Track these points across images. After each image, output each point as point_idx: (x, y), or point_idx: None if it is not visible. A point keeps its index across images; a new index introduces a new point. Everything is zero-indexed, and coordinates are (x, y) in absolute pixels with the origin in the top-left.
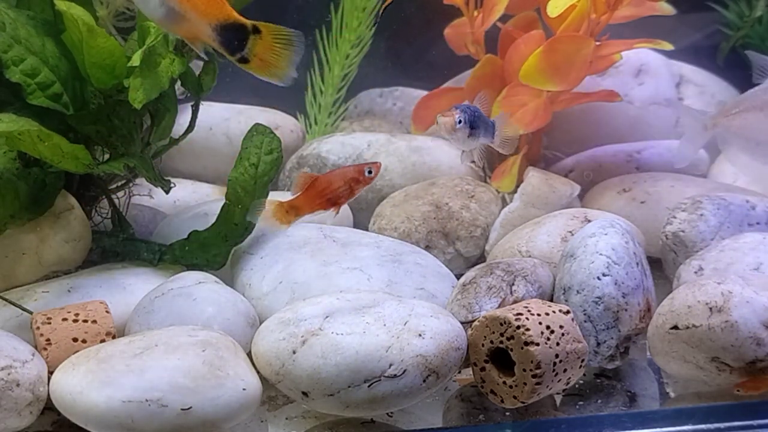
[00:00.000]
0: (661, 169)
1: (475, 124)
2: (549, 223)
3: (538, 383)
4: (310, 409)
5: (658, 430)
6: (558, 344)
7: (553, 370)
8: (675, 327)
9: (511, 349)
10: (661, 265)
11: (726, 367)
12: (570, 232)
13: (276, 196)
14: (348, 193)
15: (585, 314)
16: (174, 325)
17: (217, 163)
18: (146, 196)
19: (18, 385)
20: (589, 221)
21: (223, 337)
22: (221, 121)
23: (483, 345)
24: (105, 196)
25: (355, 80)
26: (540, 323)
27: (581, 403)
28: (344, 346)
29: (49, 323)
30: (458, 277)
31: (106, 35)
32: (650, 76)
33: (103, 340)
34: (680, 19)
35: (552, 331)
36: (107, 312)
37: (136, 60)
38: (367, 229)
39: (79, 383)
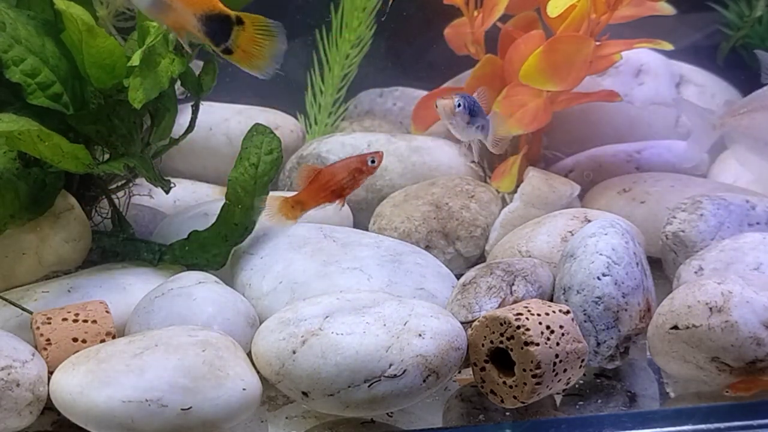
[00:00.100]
0: (661, 169)
1: (474, 112)
2: (549, 223)
3: (538, 383)
4: (310, 409)
5: (658, 430)
6: (558, 344)
7: (553, 370)
8: (675, 327)
9: (511, 349)
10: (661, 265)
11: (726, 367)
12: (570, 232)
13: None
14: (352, 183)
15: (585, 314)
16: (174, 325)
17: (217, 163)
18: (146, 196)
19: (18, 385)
20: (589, 221)
21: (223, 337)
22: (221, 121)
23: (483, 345)
24: (105, 196)
25: (355, 80)
26: (540, 323)
27: (581, 403)
28: (344, 346)
29: (49, 323)
30: (458, 277)
31: (106, 35)
32: (650, 76)
33: (103, 340)
34: (680, 19)
35: (552, 331)
36: (107, 312)
37: (135, 60)
38: (367, 229)
39: (79, 383)
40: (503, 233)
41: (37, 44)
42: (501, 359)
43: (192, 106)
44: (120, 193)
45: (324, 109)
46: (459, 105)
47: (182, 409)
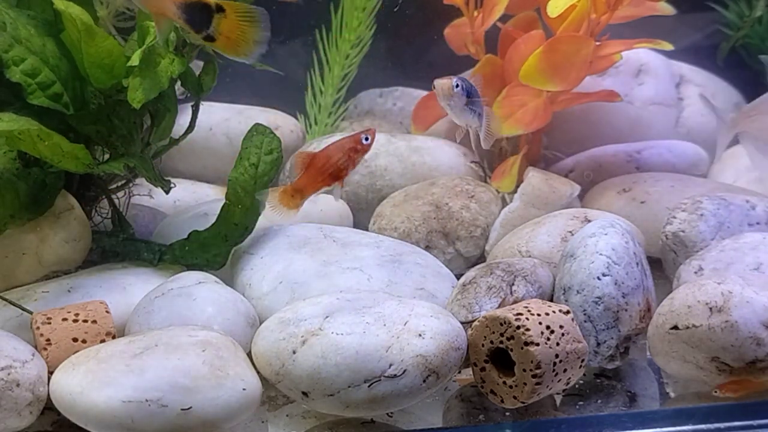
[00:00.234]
0: (661, 169)
1: (472, 95)
2: (549, 223)
3: (538, 383)
4: (310, 409)
5: (658, 430)
6: (558, 344)
7: (553, 370)
8: (675, 327)
9: (511, 349)
10: (661, 265)
11: (726, 367)
12: (570, 232)
13: None
14: (348, 164)
15: (585, 314)
16: (174, 325)
17: (217, 163)
18: (146, 196)
19: (18, 385)
20: (589, 221)
21: (223, 337)
22: (221, 121)
23: (483, 345)
24: (105, 196)
25: (355, 80)
26: (540, 323)
27: (581, 403)
28: (344, 346)
29: (49, 323)
30: (458, 277)
31: (105, 35)
32: (650, 76)
33: (103, 340)
34: (680, 19)
35: (552, 331)
36: (107, 312)
37: (135, 60)
38: (367, 229)
39: (79, 383)
40: (503, 233)
41: (38, 44)
42: (501, 359)
43: (192, 106)
44: (120, 193)
45: (324, 109)
46: (457, 86)
47: (182, 409)
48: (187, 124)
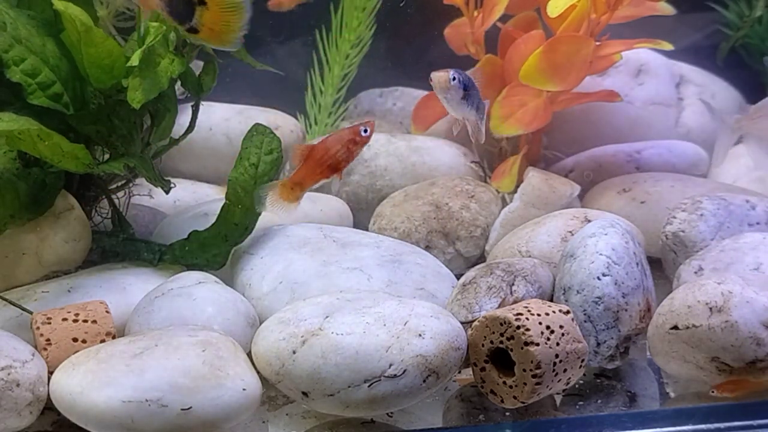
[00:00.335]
0: (661, 169)
1: (469, 87)
2: (549, 223)
3: (538, 383)
4: (310, 409)
5: (658, 430)
6: (558, 344)
7: (553, 370)
8: (675, 327)
9: (511, 349)
10: (661, 265)
11: (726, 367)
12: (570, 232)
13: None
14: (347, 156)
15: (585, 314)
16: (174, 325)
17: (217, 163)
18: (146, 196)
19: (18, 385)
20: (589, 221)
21: (223, 337)
22: (221, 121)
23: (483, 345)
24: (105, 196)
25: (355, 80)
26: (540, 323)
27: (581, 403)
28: (344, 346)
29: (49, 323)
30: (458, 277)
31: (104, 35)
32: (650, 76)
33: (103, 340)
34: (680, 19)
35: (552, 331)
36: (107, 312)
37: (135, 60)
38: (367, 229)
39: (79, 383)
40: (503, 233)
41: (38, 44)
42: (501, 359)
43: (192, 106)
44: (120, 193)
45: (324, 109)
46: (454, 78)
47: (182, 409)
48: (187, 124)
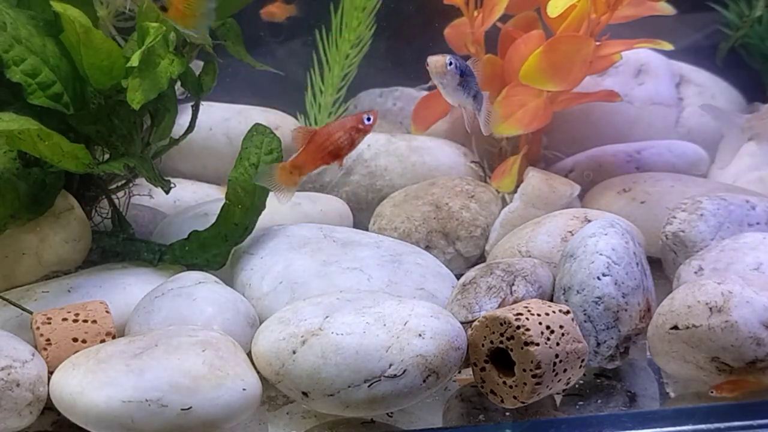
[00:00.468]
0: (661, 169)
1: (466, 73)
2: (549, 223)
3: (538, 383)
4: (310, 409)
5: (658, 430)
6: (558, 344)
7: (553, 370)
8: (675, 327)
9: (511, 349)
10: (661, 265)
11: (726, 367)
12: (570, 232)
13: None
14: (349, 143)
15: (585, 314)
16: (174, 325)
17: (217, 163)
18: (146, 196)
19: (18, 385)
20: (589, 221)
21: (223, 337)
22: (221, 122)
23: (483, 345)
24: (105, 196)
25: (355, 80)
26: (540, 323)
27: (581, 403)
28: (344, 346)
29: (49, 323)
30: (458, 277)
31: (103, 37)
32: (650, 76)
33: (103, 340)
34: (680, 19)
35: (552, 331)
36: (107, 312)
37: (135, 60)
38: (367, 229)
39: (79, 383)
40: (503, 233)
41: (38, 44)
42: (501, 359)
43: (192, 106)
44: (120, 193)
45: (324, 109)
46: (450, 63)
47: (182, 409)
48: (187, 124)
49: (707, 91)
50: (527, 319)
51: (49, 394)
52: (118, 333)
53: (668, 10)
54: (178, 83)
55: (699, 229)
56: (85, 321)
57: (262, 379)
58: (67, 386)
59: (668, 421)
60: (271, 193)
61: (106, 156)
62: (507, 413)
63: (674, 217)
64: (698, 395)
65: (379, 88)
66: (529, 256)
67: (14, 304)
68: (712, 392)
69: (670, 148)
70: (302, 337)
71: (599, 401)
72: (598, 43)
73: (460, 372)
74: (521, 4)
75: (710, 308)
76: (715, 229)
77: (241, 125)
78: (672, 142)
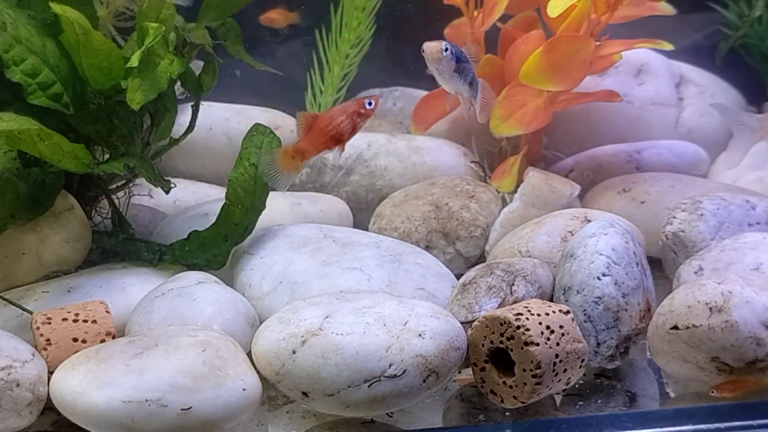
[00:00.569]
0: (661, 169)
1: (461, 60)
2: (549, 223)
3: (538, 383)
4: (310, 409)
5: (658, 430)
6: (558, 344)
7: (553, 370)
8: (675, 327)
9: (511, 349)
10: (661, 265)
11: (726, 367)
12: (570, 232)
13: (276, 197)
14: (351, 128)
15: (585, 314)
16: (174, 325)
17: (217, 163)
18: (146, 196)
19: (18, 385)
20: (589, 221)
21: (223, 337)
22: (221, 121)
23: (483, 345)
24: (105, 196)
25: (355, 80)
26: (540, 323)
27: (581, 403)
28: (344, 346)
29: (49, 323)
30: (458, 277)
31: (103, 38)
32: (650, 76)
33: (103, 340)
34: (680, 19)
35: (552, 331)
36: (107, 312)
37: (134, 61)
38: (367, 229)
39: (79, 383)
40: (503, 233)
41: (38, 44)
42: (501, 359)
43: (192, 106)
44: (120, 193)
45: (324, 109)
46: (446, 49)
47: (182, 409)
48: (187, 124)
49: (707, 91)
50: (527, 319)
51: (49, 394)
52: (118, 333)
53: (668, 10)
54: (178, 83)
55: (699, 229)
56: (85, 321)
57: (262, 379)
58: (67, 386)
59: (668, 421)
60: (271, 193)
61: (106, 156)
62: (507, 413)
63: (674, 217)
64: (698, 395)
65: (379, 88)
66: (529, 256)
67: (14, 304)
68: (712, 392)
69: (670, 148)
70: (302, 337)
71: (599, 401)
72: (598, 43)
73: (460, 372)
74: (521, 4)
75: (710, 308)
76: (715, 229)
77: (241, 125)
78: (672, 142)
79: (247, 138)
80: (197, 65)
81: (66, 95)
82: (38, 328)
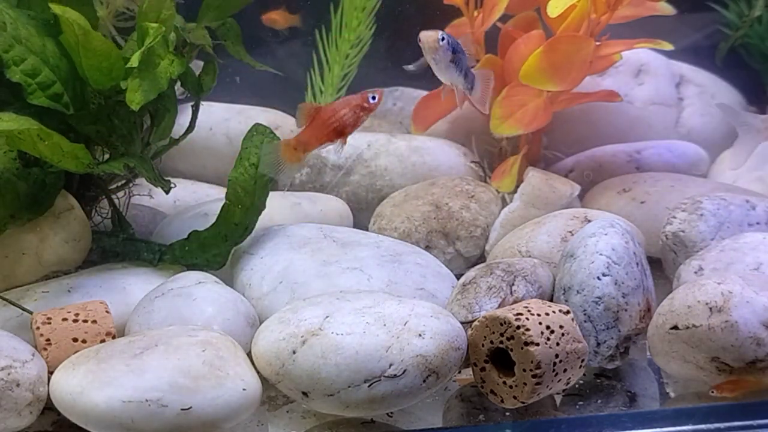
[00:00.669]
0: (661, 169)
1: (458, 51)
2: (549, 223)
3: (538, 383)
4: (310, 409)
5: (658, 430)
6: (558, 344)
7: (553, 370)
8: (675, 327)
9: (511, 349)
10: (661, 265)
11: (726, 367)
12: (570, 232)
13: (276, 197)
14: (354, 121)
15: (585, 314)
16: (174, 325)
17: (217, 163)
18: (146, 196)
19: (18, 385)
20: (589, 221)
21: (223, 337)
22: (221, 121)
23: (483, 345)
24: (105, 196)
25: (355, 80)
26: (540, 323)
27: (581, 403)
28: (344, 346)
29: (49, 323)
30: (458, 277)
31: (103, 39)
32: (650, 76)
33: (103, 340)
34: (680, 19)
35: (552, 331)
36: (107, 312)
37: (134, 61)
38: (367, 229)
39: (79, 383)
40: (503, 233)
41: (38, 44)
42: (501, 359)
43: (192, 106)
44: (120, 193)
45: None
46: (442, 39)
47: (182, 409)
48: (187, 124)
49: (707, 91)
50: (527, 319)
51: (49, 394)
52: (118, 333)
53: (668, 10)
54: (178, 83)
55: (699, 229)
56: (85, 321)
57: (262, 379)
58: (67, 386)
59: (668, 421)
60: (271, 193)
61: (106, 156)
62: (507, 413)
63: (674, 217)
64: (698, 395)
65: (379, 87)
66: (529, 256)
67: (14, 304)
68: (712, 392)
69: (670, 148)
70: (302, 337)
71: (599, 401)
72: (598, 43)
73: (460, 372)
74: (521, 4)
75: (710, 308)
76: (715, 229)
77: (241, 125)
78: (672, 142)
79: (247, 138)
80: (197, 65)
81: (66, 95)
82: (38, 328)
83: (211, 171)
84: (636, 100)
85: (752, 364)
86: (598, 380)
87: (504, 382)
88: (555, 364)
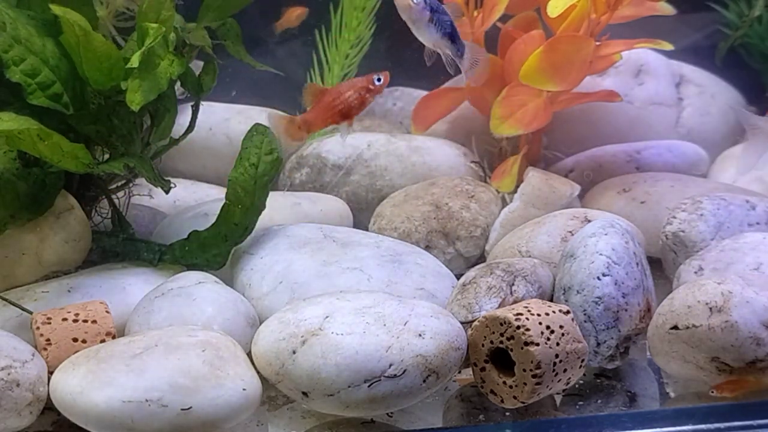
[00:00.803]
0: (661, 169)
1: (437, 10)
2: (549, 223)
3: (538, 383)
4: (310, 409)
5: (658, 430)
6: (558, 344)
7: (553, 370)
8: (675, 327)
9: (511, 349)
10: (661, 265)
11: (726, 367)
12: (570, 232)
13: (276, 197)
14: (360, 103)
15: (585, 314)
16: (174, 325)
17: (217, 163)
18: (146, 196)
19: (18, 385)
20: (589, 221)
21: (223, 337)
22: (221, 121)
23: (483, 345)
24: (105, 196)
25: None
26: (540, 323)
27: (581, 403)
28: (344, 346)
29: (49, 323)
30: (458, 277)
31: (103, 39)
32: (650, 76)
33: (103, 340)
34: (680, 19)
35: (552, 331)
36: (107, 312)
37: (134, 61)
38: (367, 229)
39: (79, 383)
40: (503, 233)
41: (38, 44)
42: (501, 359)
43: (192, 106)
44: (120, 193)
45: None
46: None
47: (182, 409)
48: (187, 124)
49: (707, 91)
50: (527, 319)
51: (49, 394)
52: (118, 333)
53: (668, 10)
54: (178, 83)
55: (699, 229)
56: (85, 321)
57: (262, 379)
58: (67, 386)
59: (668, 421)
60: (271, 193)
61: (106, 156)
62: (507, 413)
63: (674, 217)
64: (698, 395)
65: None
66: (529, 256)
67: (14, 304)
68: (712, 392)
69: (670, 148)
70: (302, 337)
71: (599, 401)
72: (598, 43)
73: (460, 372)
74: (521, 4)
75: (710, 308)
76: (715, 229)
77: (241, 125)
78: (672, 142)
79: (247, 138)
80: (197, 65)
81: (66, 95)
82: (38, 328)
83: (211, 171)
84: (636, 100)
85: (752, 364)
86: (598, 380)
87: (504, 382)
88: (555, 364)
